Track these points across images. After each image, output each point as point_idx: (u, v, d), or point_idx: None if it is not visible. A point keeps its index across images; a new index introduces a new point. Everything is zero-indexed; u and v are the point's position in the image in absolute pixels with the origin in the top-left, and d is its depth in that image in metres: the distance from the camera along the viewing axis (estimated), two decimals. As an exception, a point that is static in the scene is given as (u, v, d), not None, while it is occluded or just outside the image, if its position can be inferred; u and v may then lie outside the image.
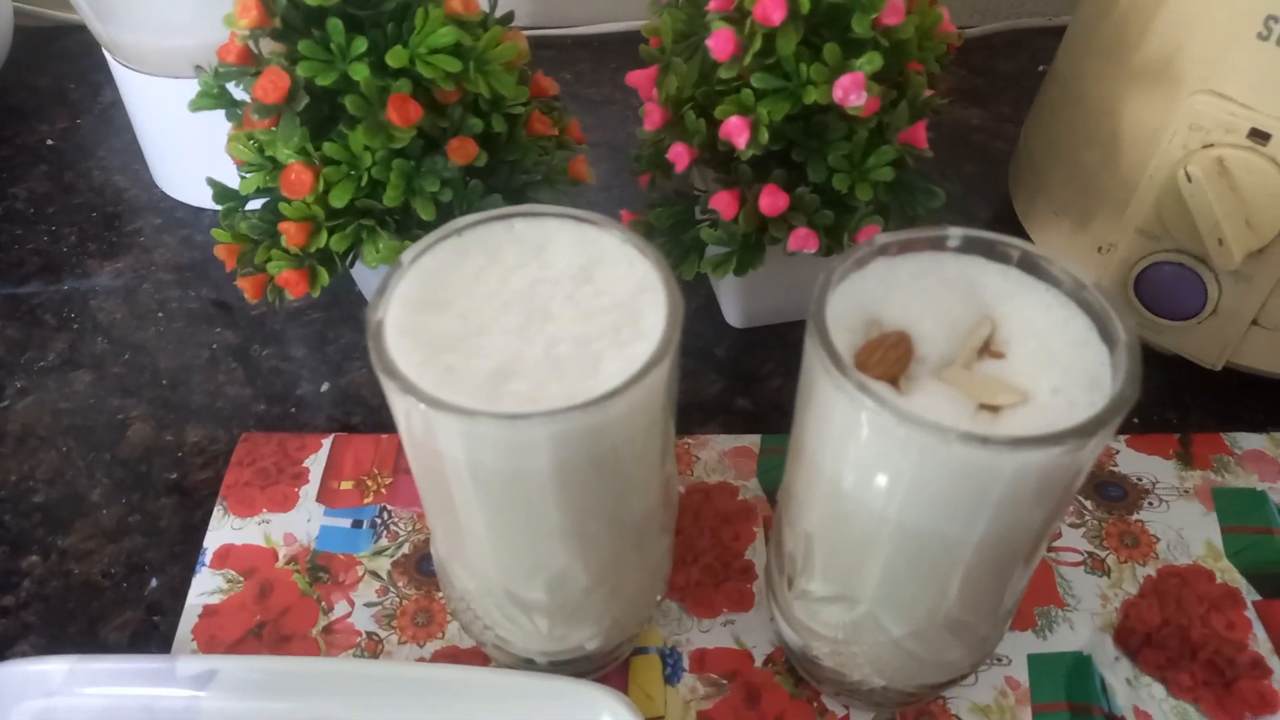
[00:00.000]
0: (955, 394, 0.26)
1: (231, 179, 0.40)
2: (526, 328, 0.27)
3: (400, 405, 0.25)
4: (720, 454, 0.43)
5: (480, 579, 0.30)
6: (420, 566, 0.39)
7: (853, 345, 0.27)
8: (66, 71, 0.65)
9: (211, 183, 0.40)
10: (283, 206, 0.37)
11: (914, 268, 0.29)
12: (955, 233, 0.29)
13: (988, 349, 0.28)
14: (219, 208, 0.40)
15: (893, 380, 0.26)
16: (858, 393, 0.24)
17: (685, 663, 0.36)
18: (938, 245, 0.29)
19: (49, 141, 0.60)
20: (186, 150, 0.52)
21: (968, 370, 0.27)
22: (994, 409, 0.26)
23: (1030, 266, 0.28)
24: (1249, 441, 0.43)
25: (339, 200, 0.37)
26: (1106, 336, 0.27)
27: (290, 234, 0.37)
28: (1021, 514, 0.26)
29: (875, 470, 0.26)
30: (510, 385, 0.25)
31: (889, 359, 0.27)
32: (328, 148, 0.36)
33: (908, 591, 0.29)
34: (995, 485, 0.25)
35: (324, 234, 0.37)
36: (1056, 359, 0.27)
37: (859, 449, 0.26)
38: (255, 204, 0.40)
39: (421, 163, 0.37)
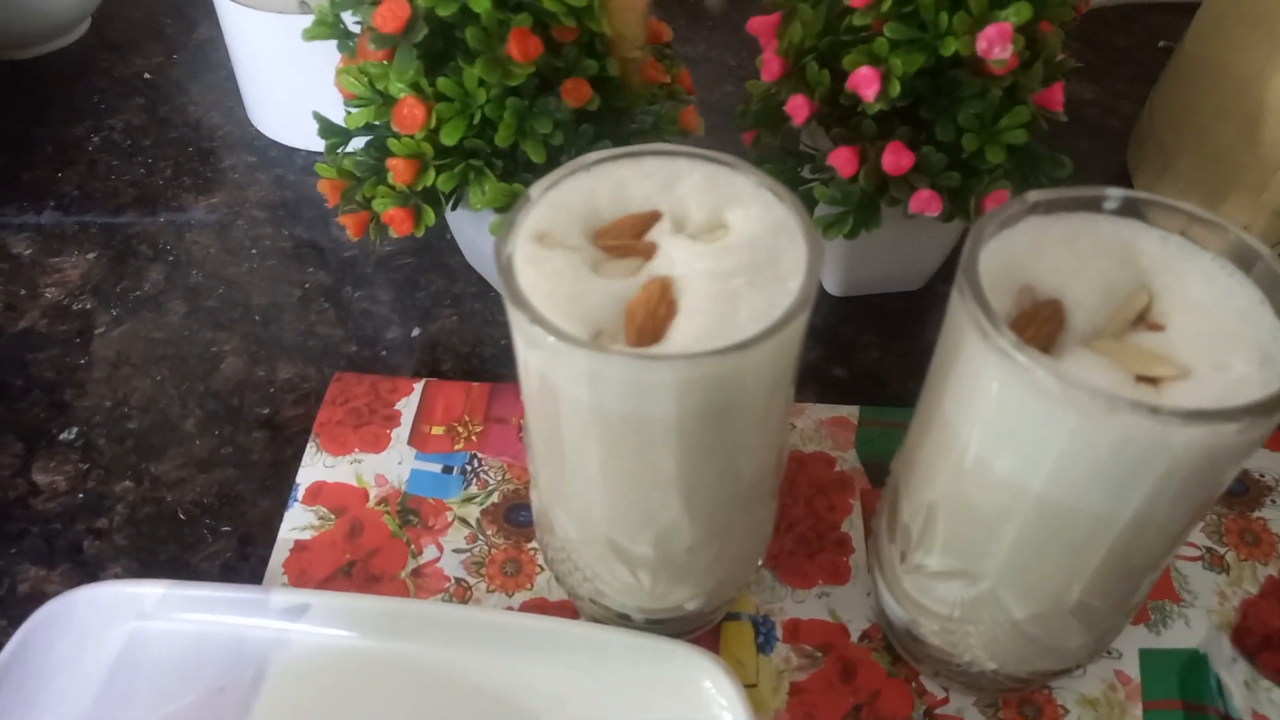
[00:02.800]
0: (1109, 364, 0.24)
1: (333, 117, 0.39)
2: (658, 265, 0.25)
3: (525, 339, 0.24)
4: (817, 423, 0.42)
5: (585, 528, 0.29)
6: (509, 516, 0.38)
7: (1000, 305, 0.25)
8: (163, 6, 0.65)
9: (318, 117, 0.40)
10: (391, 143, 0.37)
11: (1066, 229, 0.27)
12: (1114, 193, 0.27)
13: (1144, 320, 0.26)
14: (313, 149, 0.40)
15: (1042, 350, 0.25)
16: (1014, 352, 0.23)
17: (779, 632, 0.35)
18: (1093, 206, 0.27)
19: (145, 75, 0.60)
20: (284, 89, 0.52)
21: (1121, 340, 0.26)
22: (1153, 381, 0.24)
23: (1194, 234, 0.26)
24: (1383, 443, 0.41)
25: (450, 138, 0.36)
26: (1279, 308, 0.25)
27: (398, 170, 0.36)
28: (1179, 495, 0.24)
29: (1022, 439, 0.24)
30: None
31: (1043, 331, 0.25)
32: (442, 83, 0.35)
33: (1038, 571, 0.27)
34: (1158, 461, 0.23)
35: (431, 172, 0.36)
36: (1222, 332, 0.25)
37: (1006, 415, 0.24)
38: (358, 143, 0.39)
39: (535, 103, 0.36)
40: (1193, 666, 0.35)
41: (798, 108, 0.38)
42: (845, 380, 0.44)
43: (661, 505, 0.27)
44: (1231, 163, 0.43)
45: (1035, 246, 0.27)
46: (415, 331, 0.45)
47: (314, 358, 0.44)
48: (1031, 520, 0.26)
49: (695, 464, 0.26)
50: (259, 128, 0.55)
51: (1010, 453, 0.25)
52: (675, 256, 0.26)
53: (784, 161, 0.42)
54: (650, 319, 0.24)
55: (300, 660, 0.33)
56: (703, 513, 0.28)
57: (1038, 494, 0.25)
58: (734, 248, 0.25)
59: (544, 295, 0.24)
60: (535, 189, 0.26)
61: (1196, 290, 0.26)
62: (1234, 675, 0.35)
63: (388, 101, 0.36)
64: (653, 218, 0.26)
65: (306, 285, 0.47)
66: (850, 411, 0.42)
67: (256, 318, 0.46)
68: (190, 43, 0.62)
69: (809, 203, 0.41)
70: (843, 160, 0.37)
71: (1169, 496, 0.24)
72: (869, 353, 0.45)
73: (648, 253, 0.26)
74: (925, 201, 0.37)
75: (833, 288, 0.47)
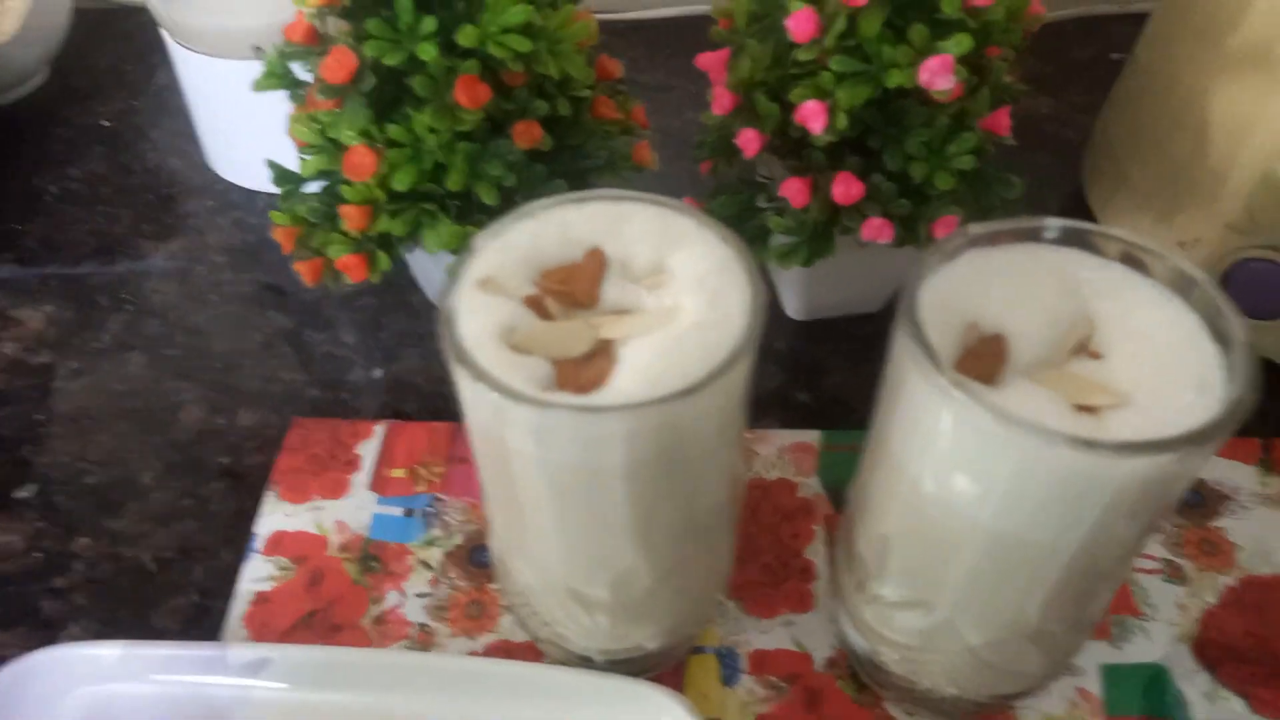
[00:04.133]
0: (1050, 394, 0.25)
1: (288, 162, 0.39)
2: (602, 308, 0.26)
3: (470, 394, 0.24)
4: (780, 449, 0.42)
5: (542, 575, 0.29)
6: (473, 558, 0.38)
7: (943, 341, 0.26)
8: (124, 53, 0.65)
9: (271, 165, 0.40)
10: (344, 189, 0.37)
11: (1008, 260, 0.27)
12: (1053, 223, 0.27)
13: (1084, 348, 0.26)
14: (273, 191, 0.40)
15: (986, 383, 0.25)
16: (953, 390, 0.23)
17: (743, 664, 0.35)
18: (1033, 236, 0.28)
19: (105, 123, 0.60)
20: (242, 133, 0.52)
21: (1061, 370, 0.26)
22: (1092, 410, 0.25)
23: (1134, 261, 0.27)
24: (1337, 450, 0.41)
25: (401, 184, 0.36)
26: (1218, 336, 0.25)
27: (350, 217, 0.36)
28: (1120, 523, 0.24)
29: (967, 473, 0.25)
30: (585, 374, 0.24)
31: (987, 367, 0.25)
32: (392, 130, 0.35)
33: (991, 600, 0.27)
34: (1098, 492, 0.23)
35: (384, 218, 0.36)
36: (1160, 360, 0.25)
37: (950, 451, 0.25)
38: (313, 187, 0.39)
39: (486, 146, 0.36)
40: (1154, 680, 0.35)
41: (748, 141, 0.38)
42: (809, 405, 0.44)
43: (617, 550, 0.27)
44: (1184, 176, 0.44)
45: (977, 279, 0.27)
46: (377, 373, 0.45)
47: (275, 404, 0.44)
48: (982, 551, 0.26)
49: (649, 508, 0.26)
50: (219, 172, 0.55)
51: (957, 486, 0.25)
52: (620, 299, 0.26)
53: (739, 192, 0.42)
54: (592, 367, 0.24)
55: (264, 716, 0.33)
56: (659, 554, 0.28)
57: (986, 526, 0.25)
58: (678, 290, 0.26)
59: (487, 344, 0.24)
60: (479, 238, 0.26)
61: (1137, 317, 0.26)
62: (1195, 687, 0.35)
63: (339, 149, 0.37)
64: (598, 261, 0.27)
65: (268, 330, 0.47)
66: (813, 436, 0.42)
67: (218, 365, 0.46)
68: (150, 89, 0.62)
69: (764, 233, 0.41)
70: (794, 191, 0.38)
71: (1115, 523, 0.24)
72: (832, 376, 0.45)
73: (592, 297, 0.26)
74: (877, 229, 0.37)
75: (794, 312, 0.47)
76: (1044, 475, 0.23)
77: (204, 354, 0.46)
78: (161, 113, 0.60)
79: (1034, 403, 0.24)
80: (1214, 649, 0.36)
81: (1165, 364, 0.25)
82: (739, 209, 0.42)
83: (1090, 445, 0.22)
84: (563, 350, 0.25)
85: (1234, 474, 0.41)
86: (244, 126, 0.51)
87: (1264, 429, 0.43)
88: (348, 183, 0.36)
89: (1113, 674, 0.35)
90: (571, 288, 0.26)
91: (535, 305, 0.26)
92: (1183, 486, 0.24)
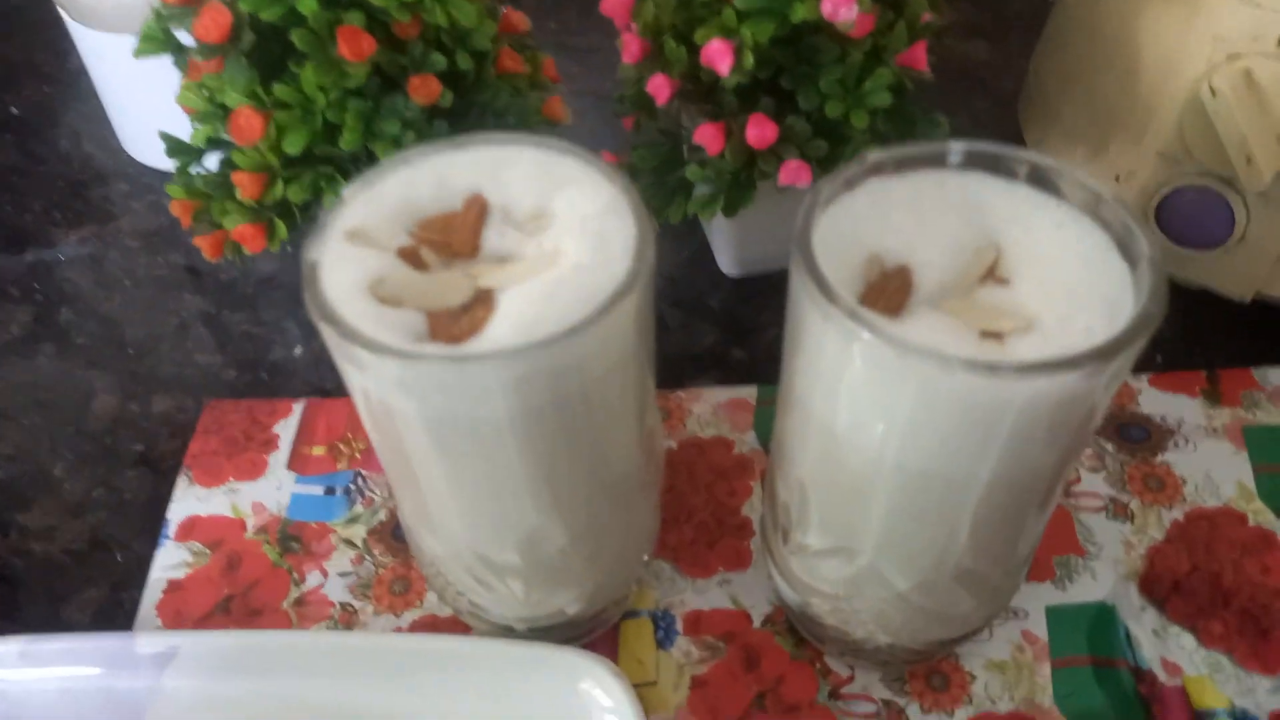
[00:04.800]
0: (954, 323, 0.24)
1: (187, 134, 0.38)
2: (483, 256, 0.24)
3: (338, 352, 0.23)
4: (714, 407, 0.41)
5: (448, 543, 0.28)
6: (396, 533, 0.37)
7: (844, 276, 0.24)
8: (34, 40, 0.62)
9: (164, 137, 0.38)
10: (235, 156, 0.35)
11: (911, 188, 0.26)
12: (956, 147, 0.26)
13: (991, 275, 0.25)
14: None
15: (890, 315, 0.24)
16: (848, 322, 0.22)
17: (679, 625, 0.34)
18: (937, 162, 0.26)
19: (14, 110, 0.57)
20: (148, 110, 0.50)
21: (967, 298, 0.25)
22: (997, 336, 0.23)
23: (1039, 181, 0.26)
24: (1281, 377, 0.41)
25: (293, 146, 0.34)
26: (1126, 253, 0.24)
27: (244, 185, 0.35)
28: (1033, 452, 0.23)
29: (870, 408, 0.23)
30: (463, 322, 0.23)
31: (891, 301, 0.24)
32: (278, 90, 0.34)
33: (911, 541, 0.26)
34: (1004, 419, 0.22)
35: (280, 184, 0.35)
36: (1068, 281, 0.24)
37: (851, 385, 0.23)
38: (214, 160, 0.38)
39: (380, 103, 0.34)
40: (1101, 620, 0.34)
41: (659, 87, 0.37)
42: (745, 362, 0.43)
43: (520, 511, 0.26)
44: (1112, 110, 0.42)
45: (878, 209, 0.26)
46: (298, 350, 0.44)
47: (192, 388, 0.42)
48: (894, 491, 0.25)
49: (547, 465, 0.25)
50: (133, 155, 0.53)
51: (862, 424, 0.24)
52: (501, 247, 0.25)
53: (660, 144, 0.41)
54: (467, 318, 0.23)
55: (177, 708, 0.31)
56: (568, 514, 0.27)
57: (894, 463, 0.24)
58: (560, 233, 0.24)
59: (355, 299, 0.23)
60: (348, 189, 0.25)
61: (1044, 241, 0.25)
62: (1143, 625, 0.34)
63: (228, 114, 0.35)
64: (478, 208, 0.25)
65: (183, 313, 0.45)
66: (748, 392, 0.41)
67: (130, 351, 0.44)
68: (62, 75, 0.60)
69: (687, 186, 0.40)
70: (708, 137, 0.36)
71: (1027, 451, 0.23)
72: (768, 332, 0.44)
73: (471, 246, 0.25)
74: (794, 172, 0.36)
75: (728, 269, 0.46)
76: (946, 404, 0.22)
77: (117, 341, 0.44)
78: (74, 99, 0.58)
79: (937, 331, 0.23)
80: (1161, 584, 0.35)
81: (1073, 286, 0.24)
82: (660, 161, 0.40)
83: (990, 368, 0.21)
84: (438, 301, 0.23)
85: (1179, 407, 0.40)
86: (150, 105, 0.49)
87: (1208, 361, 0.42)
88: (240, 149, 0.35)
89: (1057, 615, 0.34)
90: (449, 237, 0.25)
91: (409, 257, 0.24)
92: (1098, 406, 0.23)
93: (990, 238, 0.25)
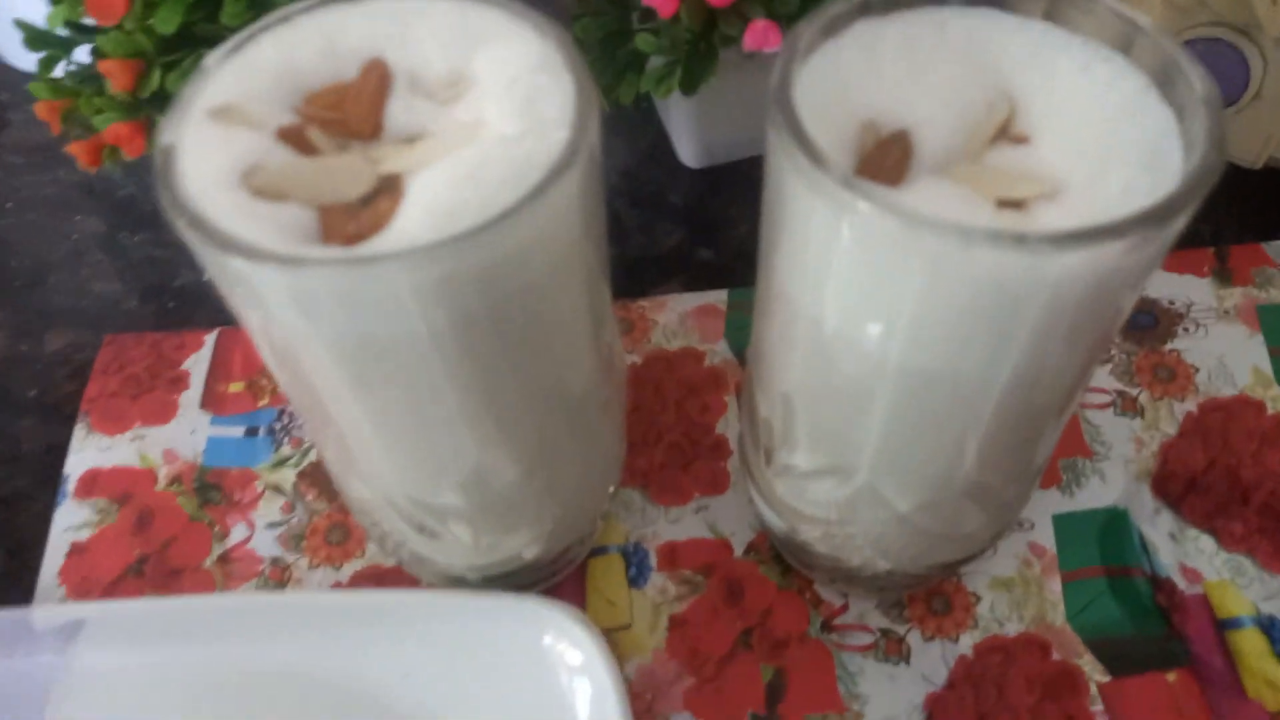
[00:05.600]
0: (964, 191, 0.19)
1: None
2: (386, 136, 0.20)
3: (214, 265, 0.18)
4: (681, 315, 0.36)
5: (378, 488, 0.24)
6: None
7: (833, 140, 0.20)
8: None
9: (21, 25, 0.32)
10: (101, 41, 0.29)
11: (906, 31, 0.21)
12: (959, -23, 0.21)
13: (1005, 133, 0.21)
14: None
15: (887, 184, 0.20)
16: (842, 191, 0.18)
17: (653, 560, 0.31)
18: (936, -2, 0.22)
19: None
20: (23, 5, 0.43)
21: (979, 162, 0.21)
22: (1018, 205, 0.19)
23: (1058, 16, 0.21)
24: (1297, 251, 0.37)
25: (166, 25, 0.29)
26: (1169, 97, 0.20)
27: (114, 75, 0.29)
28: (1067, 339, 0.19)
29: (868, 299, 0.19)
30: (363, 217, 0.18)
31: (886, 170, 0.20)
32: (140, -45, 0.28)
33: (915, 455, 0.23)
34: (1031, 304, 0.18)
35: (156, 73, 0.29)
36: (1099, 134, 0.20)
37: (845, 273, 0.19)
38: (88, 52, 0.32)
39: (267, -31, 0.29)
40: (1112, 526, 0.31)
41: (600, -58, 0.31)
42: (713, 263, 0.39)
43: (456, 445, 0.22)
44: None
45: (869, 57, 0.21)
46: (208, 274, 0.38)
47: (89, 321, 0.37)
48: (897, 397, 0.21)
49: (483, 387, 0.21)
50: (10, 61, 0.47)
51: (859, 320, 0.20)
52: (410, 123, 0.20)
53: (605, 13, 0.36)
54: (369, 211, 0.18)
55: (88, 689, 0.27)
56: (514, 444, 0.23)
57: (898, 364, 0.20)
58: (481, 100, 0.20)
59: (224, 192, 0.18)
60: (213, 56, 0.20)
61: (1067, 87, 0.21)
62: (1158, 529, 0.31)
63: (85, -9, 0.29)
64: (378, 75, 0.20)
65: (76, 236, 0.40)
66: (718, 298, 0.37)
67: (18, 283, 0.39)
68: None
69: (639, 59, 0.35)
70: (660, -1, 0.31)
71: (1054, 343, 0.19)
72: (738, 228, 0.40)
73: (373, 123, 0.20)
74: (761, 34, 0.31)
75: (690, 159, 0.41)
76: (962, 289, 0.18)
77: (2, 271, 0.39)
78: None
79: (946, 201, 0.19)
80: (1176, 483, 0.32)
81: (1106, 139, 0.20)
82: (608, 32, 0.35)
83: (1018, 240, 0.17)
84: (331, 192, 0.19)
85: (1187, 289, 0.36)
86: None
87: (1216, 238, 0.38)
88: (103, 30, 0.29)
89: (1066, 524, 0.31)
90: (344, 113, 0.20)
91: (293, 138, 0.19)
92: (1134, 291, 0.19)
93: (1002, 88, 0.21)
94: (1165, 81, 0.20)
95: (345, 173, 0.19)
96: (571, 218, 0.19)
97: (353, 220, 0.18)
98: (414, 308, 0.18)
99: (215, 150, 0.19)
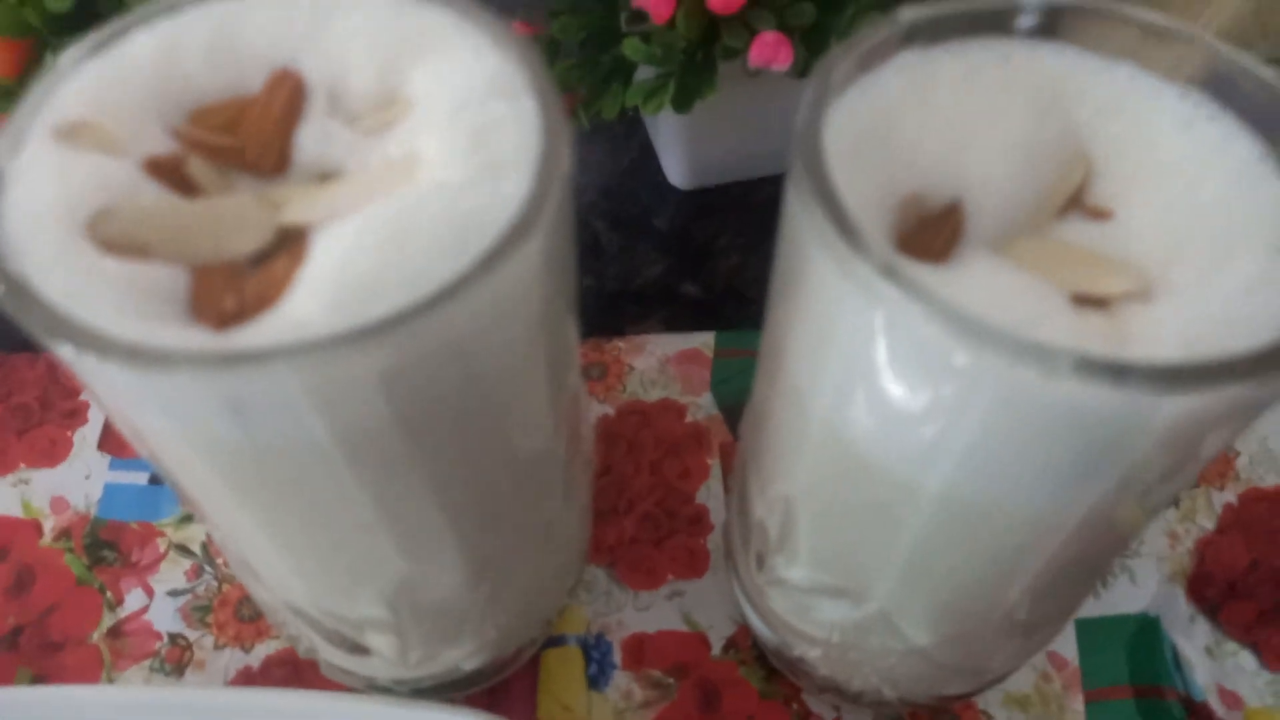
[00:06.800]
0: (1030, 281, 0.15)
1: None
2: (292, 176, 0.15)
3: (43, 339, 0.14)
4: (662, 360, 0.32)
5: (282, 595, 0.19)
6: (247, 535, 0.28)
7: (870, 204, 0.15)
8: None
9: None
10: (-19, 16, 0.24)
11: (961, 66, 0.17)
12: (1031, 3, 0.17)
13: (1080, 203, 0.17)
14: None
15: (933, 260, 0.15)
16: (880, 281, 0.13)
17: (616, 656, 0.26)
18: (1000, 26, 0.17)
19: None
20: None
21: (1047, 239, 0.16)
22: (1100, 303, 0.15)
23: (1152, 56, 0.17)
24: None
25: (59, 2, 0.24)
26: (1296, 167, 0.16)
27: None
28: (1151, 485, 0.15)
29: (906, 413, 0.15)
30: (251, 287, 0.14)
31: (932, 244, 0.16)
32: (27, -86, 0.23)
33: (943, 590, 0.19)
34: (1125, 446, 0.14)
35: (47, 55, 0.25)
36: (1204, 211, 0.16)
37: (877, 377, 0.15)
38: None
39: (186, -60, 0.24)
40: (1143, 636, 0.27)
41: (588, -70, 0.27)
42: (700, 299, 0.35)
43: (376, 558, 0.18)
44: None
45: (914, 98, 0.17)
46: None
47: (-22, 336, 0.32)
48: (932, 527, 0.17)
49: (404, 495, 0.16)
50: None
51: (892, 437, 0.16)
52: (325, 155, 0.15)
53: (589, 11, 0.31)
54: (260, 276, 0.14)
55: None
56: (450, 550, 0.18)
57: (938, 493, 0.16)
58: (420, 130, 0.15)
59: (53, 238, 0.13)
60: (69, 54, 0.15)
61: (1163, 147, 0.17)
62: (1193, 640, 0.27)
63: (-38, -46, 0.24)
64: (289, 90, 0.16)
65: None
66: (703, 341, 0.33)
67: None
68: None
69: (626, 67, 0.30)
70: (654, 0, 0.27)
71: (1143, 484, 0.15)
72: (728, 259, 0.36)
73: (278, 154, 0.15)
74: (770, 49, 0.26)
75: (678, 179, 0.37)
76: (1033, 419, 0.14)
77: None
78: None
79: (1007, 292, 0.15)
80: (1214, 586, 0.28)
81: (1213, 217, 0.16)
82: (590, 33, 0.30)
83: (1117, 373, 0.13)
84: (211, 249, 0.14)
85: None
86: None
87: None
88: (-18, 6, 0.24)
89: (1090, 631, 0.27)
90: (240, 138, 0.15)
91: (166, 171, 0.15)
92: (1249, 421, 0.15)
93: (1078, 144, 0.17)
94: (1288, 148, 0.16)
95: (233, 221, 0.14)
96: (529, 294, 0.15)
97: (234, 290, 0.14)
98: (310, 413, 0.13)
99: (55, 182, 0.14)
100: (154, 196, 0.14)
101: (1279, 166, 0.16)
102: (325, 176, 0.15)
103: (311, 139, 0.15)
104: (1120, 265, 0.16)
